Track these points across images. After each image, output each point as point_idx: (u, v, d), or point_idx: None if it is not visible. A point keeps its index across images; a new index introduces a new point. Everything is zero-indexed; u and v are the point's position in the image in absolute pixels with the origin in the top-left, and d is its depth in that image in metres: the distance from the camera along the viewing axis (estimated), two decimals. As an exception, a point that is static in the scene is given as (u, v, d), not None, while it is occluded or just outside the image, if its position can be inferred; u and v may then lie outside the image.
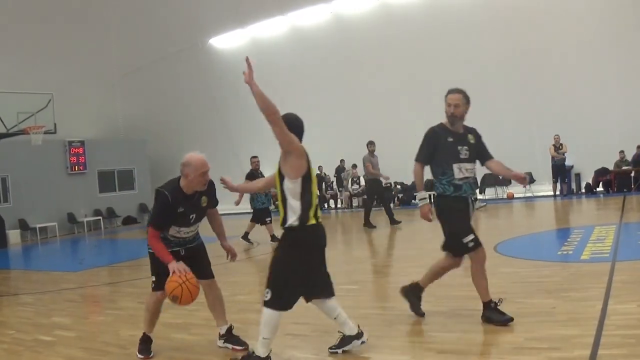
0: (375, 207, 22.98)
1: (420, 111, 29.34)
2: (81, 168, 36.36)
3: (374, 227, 21.46)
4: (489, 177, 29.07)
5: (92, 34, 35.97)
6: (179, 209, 7.57)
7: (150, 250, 7.66)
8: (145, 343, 7.98)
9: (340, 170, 34.26)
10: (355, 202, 33.21)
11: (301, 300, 9.92)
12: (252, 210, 20.42)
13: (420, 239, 18.14)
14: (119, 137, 40.80)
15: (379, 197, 22.74)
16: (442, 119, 8.30)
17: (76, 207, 35.58)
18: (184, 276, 7.15)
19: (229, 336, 8.10)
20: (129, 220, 38.26)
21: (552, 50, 26.61)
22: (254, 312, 9.76)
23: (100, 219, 36.54)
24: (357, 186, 32.48)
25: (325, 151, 33.21)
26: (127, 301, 12.01)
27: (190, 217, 7.76)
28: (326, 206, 34.40)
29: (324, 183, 34.17)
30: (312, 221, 6.90)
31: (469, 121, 8.26)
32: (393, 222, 21.67)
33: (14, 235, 31.03)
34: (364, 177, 22.18)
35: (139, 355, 7.84)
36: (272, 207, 20.30)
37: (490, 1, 27.57)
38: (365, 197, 23.35)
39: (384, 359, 6.83)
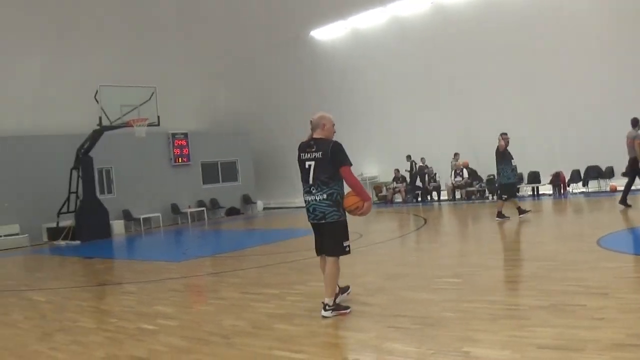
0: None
1: (524, 103, 29.01)
2: (185, 160, 36.90)
3: (630, 205, 20.66)
4: (592, 169, 28.51)
5: (195, 27, 36.34)
6: None
7: (338, 219, 9.09)
8: (338, 303, 9.22)
9: (422, 169, 34.18)
10: (457, 195, 32.79)
11: (406, 292, 9.91)
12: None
13: (521, 232, 17.92)
14: (222, 129, 41.13)
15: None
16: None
17: (180, 198, 36.11)
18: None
19: (337, 305, 9.13)
20: (232, 212, 38.58)
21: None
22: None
23: (203, 210, 36.99)
24: (460, 178, 32.05)
25: (427, 142, 33.05)
26: (230, 291, 12.05)
27: None
28: (429, 198, 34.18)
29: (426, 175, 33.91)
30: None
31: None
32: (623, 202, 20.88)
33: (118, 226, 31.56)
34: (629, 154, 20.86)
35: (346, 311, 9.05)
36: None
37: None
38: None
39: (484, 353, 6.71)
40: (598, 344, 6.55)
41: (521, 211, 20.59)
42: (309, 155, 9.17)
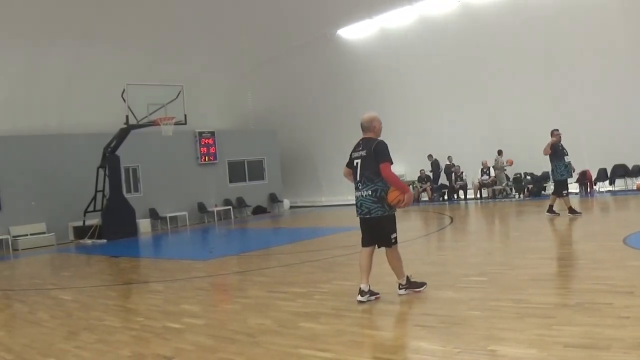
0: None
1: (550, 102, 28.85)
2: (211, 158, 36.99)
3: None
4: (619, 167, 28.36)
5: (222, 26, 36.38)
6: None
7: (383, 215, 9.80)
8: (412, 281, 10.21)
9: (448, 168, 34.24)
10: (485, 193, 32.76)
11: (430, 291, 9.92)
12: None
13: (548, 231, 17.85)
14: (249, 128, 41.30)
15: None
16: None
17: (206, 196, 36.23)
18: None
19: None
20: (258, 210, 38.63)
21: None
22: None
23: (230, 209, 37.02)
24: (487, 177, 31.97)
25: (453, 141, 33.01)
26: (256, 290, 12.06)
27: None
28: (455, 196, 34.08)
29: (453, 174, 33.86)
30: None
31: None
32: None
33: (144, 224, 31.69)
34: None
35: (420, 289, 10.17)
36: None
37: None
38: None
39: (510, 352, 6.68)
40: (624, 343, 6.51)
41: (551, 210, 20.41)
42: (357, 154, 10.08)
